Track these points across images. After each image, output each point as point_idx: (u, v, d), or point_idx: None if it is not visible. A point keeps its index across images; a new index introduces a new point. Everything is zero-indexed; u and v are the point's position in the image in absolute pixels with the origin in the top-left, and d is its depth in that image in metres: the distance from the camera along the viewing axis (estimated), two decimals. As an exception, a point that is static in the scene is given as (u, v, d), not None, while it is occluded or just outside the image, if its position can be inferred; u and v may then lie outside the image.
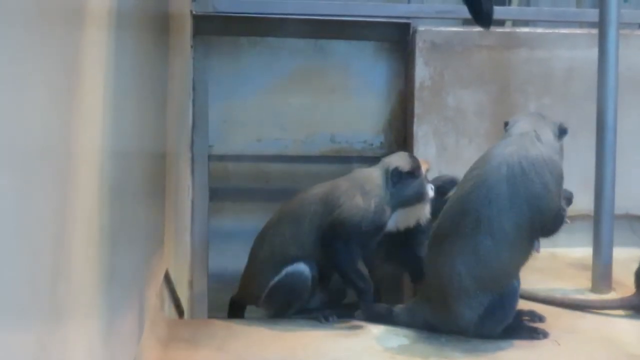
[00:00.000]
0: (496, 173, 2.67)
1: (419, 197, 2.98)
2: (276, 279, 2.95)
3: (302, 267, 2.94)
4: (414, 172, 2.97)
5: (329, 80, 4.24)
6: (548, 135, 2.81)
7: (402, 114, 4.21)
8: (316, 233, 2.93)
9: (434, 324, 2.80)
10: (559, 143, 2.85)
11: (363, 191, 2.94)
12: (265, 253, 2.99)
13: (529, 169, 2.68)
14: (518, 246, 2.71)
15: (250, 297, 3.07)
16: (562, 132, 2.86)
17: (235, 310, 3.12)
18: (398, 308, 2.91)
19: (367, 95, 4.25)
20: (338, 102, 4.24)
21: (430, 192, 3.01)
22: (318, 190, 3.01)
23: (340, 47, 4.25)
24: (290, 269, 2.94)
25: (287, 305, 2.97)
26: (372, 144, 4.25)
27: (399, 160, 3.02)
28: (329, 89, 4.23)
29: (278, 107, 4.23)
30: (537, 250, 2.80)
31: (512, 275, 2.73)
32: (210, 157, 4.20)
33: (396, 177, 2.95)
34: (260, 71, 4.22)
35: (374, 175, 2.99)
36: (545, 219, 2.73)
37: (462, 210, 2.70)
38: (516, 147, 2.71)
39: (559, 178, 2.77)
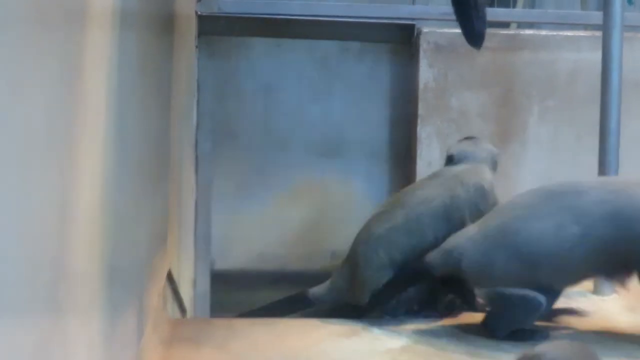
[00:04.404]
0: None
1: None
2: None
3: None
4: None
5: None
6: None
7: (406, 115, 4.21)
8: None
9: None
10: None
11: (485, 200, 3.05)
12: (383, 260, 2.97)
13: None
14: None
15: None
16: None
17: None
18: None
19: (370, 95, 4.25)
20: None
21: None
22: (435, 203, 3.02)
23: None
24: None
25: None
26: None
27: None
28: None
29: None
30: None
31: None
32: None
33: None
34: (267, 69, 4.24)
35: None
36: None
37: None
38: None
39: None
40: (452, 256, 2.80)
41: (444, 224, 2.97)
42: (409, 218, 2.99)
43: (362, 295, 2.98)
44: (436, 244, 2.95)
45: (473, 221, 2.96)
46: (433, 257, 2.85)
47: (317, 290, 3.13)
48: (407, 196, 3.08)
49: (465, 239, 2.82)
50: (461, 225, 2.97)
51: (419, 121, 4.02)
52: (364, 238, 3.04)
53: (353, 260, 3.05)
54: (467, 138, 3.27)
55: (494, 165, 3.18)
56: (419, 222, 2.98)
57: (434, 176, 3.19)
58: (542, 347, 1.93)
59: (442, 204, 2.99)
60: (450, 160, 3.16)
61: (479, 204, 3.02)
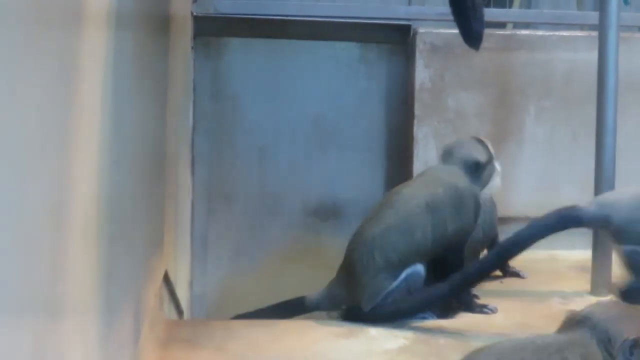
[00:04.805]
0: None
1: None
2: (394, 284, 2.96)
3: (419, 267, 2.98)
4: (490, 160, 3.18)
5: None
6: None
7: (402, 115, 4.21)
8: (432, 240, 2.99)
9: None
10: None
11: (461, 202, 3.05)
12: (379, 262, 2.97)
13: None
14: None
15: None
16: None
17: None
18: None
19: (367, 97, 4.25)
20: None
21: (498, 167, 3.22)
22: (418, 200, 3.02)
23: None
24: (409, 270, 2.97)
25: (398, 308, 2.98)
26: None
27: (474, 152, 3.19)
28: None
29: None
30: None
31: None
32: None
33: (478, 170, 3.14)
34: (264, 70, 4.24)
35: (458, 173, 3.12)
36: None
37: None
38: None
39: None
40: (605, 206, 2.80)
41: (428, 221, 2.99)
42: (399, 216, 3.01)
43: (362, 299, 2.97)
44: (424, 241, 2.97)
45: (454, 223, 3.00)
46: (586, 205, 2.84)
47: (314, 296, 3.12)
48: (395, 196, 3.11)
49: (621, 194, 2.88)
50: (443, 225, 3.00)
51: (415, 121, 4.02)
52: (359, 240, 3.04)
53: (349, 265, 3.04)
54: (468, 139, 3.28)
55: (472, 170, 3.14)
56: (408, 219, 3.00)
57: (419, 175, 3.27)
58: (590, 307, 1.92)
59: (425, 202, 3.02)
60: (441, 161, 3.21)
61: (458, 206, 3.04)
